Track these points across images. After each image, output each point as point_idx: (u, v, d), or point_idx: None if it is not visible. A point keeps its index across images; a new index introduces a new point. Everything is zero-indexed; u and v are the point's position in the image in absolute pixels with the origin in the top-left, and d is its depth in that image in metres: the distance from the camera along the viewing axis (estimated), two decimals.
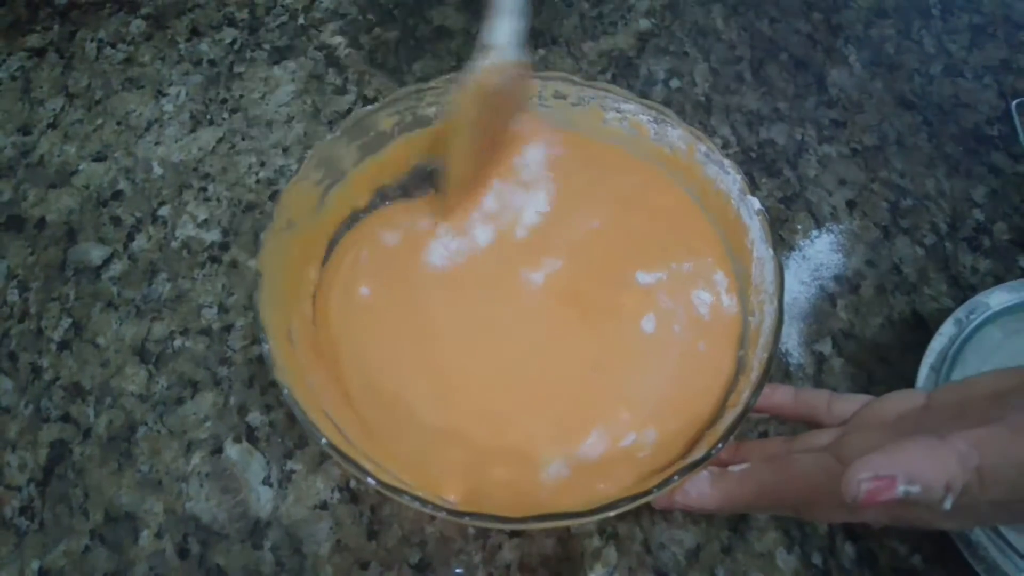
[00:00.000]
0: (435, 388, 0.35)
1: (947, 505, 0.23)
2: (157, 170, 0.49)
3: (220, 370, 0.41)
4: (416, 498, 0.28)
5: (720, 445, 0.29)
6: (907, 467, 0.23)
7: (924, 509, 0.25)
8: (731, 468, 0.31)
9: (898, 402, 0.30)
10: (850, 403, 0.32)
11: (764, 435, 0.40)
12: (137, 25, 0.57)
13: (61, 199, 0.48)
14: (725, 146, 0.51)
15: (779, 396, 0.34)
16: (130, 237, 0.46)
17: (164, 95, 0.53)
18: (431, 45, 0.56)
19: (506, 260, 0.38)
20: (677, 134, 0.39)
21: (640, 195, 0.40)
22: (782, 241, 0.47)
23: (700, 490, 0.30)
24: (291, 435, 0.39)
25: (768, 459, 0.31)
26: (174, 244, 0.46)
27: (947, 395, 0.29)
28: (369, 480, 0.28)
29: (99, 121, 0.51)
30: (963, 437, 0.23)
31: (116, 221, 0.47)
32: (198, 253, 0.46)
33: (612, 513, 0.28)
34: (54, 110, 0.52)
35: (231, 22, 0.57)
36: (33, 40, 0.56)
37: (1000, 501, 0.24)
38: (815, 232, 0.48)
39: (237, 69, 0.54)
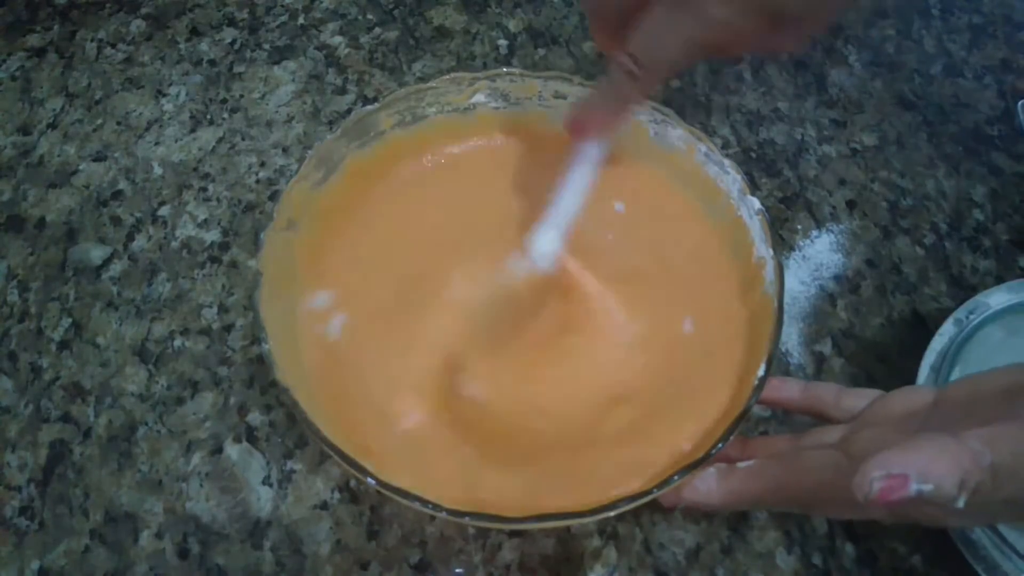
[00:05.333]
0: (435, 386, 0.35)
1: (960, 503, 0.23)
2: (157, 170, 0.49)
3: (220, 370, 0.41)
4: (416, 498, 0.28)
5: (720, 444, 0.29)
6: (920, 465, 0.23)
7: (935, 507, 0.24)
8: (738, 464, 0.31)
9: (907, 398, 0.30)
10: (859, 398, 0.32)
11: (765, 434, 0.40)
12: (137, 25, 0.57)
13: (61, 199, 0.48)
14: (725, 146, 0.51)
15: (787, 390, 0.34)
16: (130, 237, 0.46)
17: (164, 95, 0.53)
18: (431, 45, 0.56)
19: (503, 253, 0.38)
20: (677, 134, 0.39)
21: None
22: (782, 241, 0.47)
23: (707, 486, 0.30)
24: (291, 435, 0.39)
25: (776, 455, 0.31)
26: (174, 244, 0.46)
27: (956, 391, 0.29)
28: (369, 480, 0.28)
29: (99, 121, 0.51)
30: (976, 435, 0.23)
31: (116, 221, 0.47)
32: (198, 253, 0.46)
33: (612, 513, 0.28)
34: (54, 110, 0.52)
35: (231, 22, 0.57)
36: (33, 40, 0.56)
37: (1012, 499, 0.23)
38: (815, 232, 0.48)
39: (237, 69, 0.54)
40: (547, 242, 0.35)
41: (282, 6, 0.58)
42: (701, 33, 0.29)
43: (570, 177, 0.35)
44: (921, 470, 0.23)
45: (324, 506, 0.37)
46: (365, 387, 0.34)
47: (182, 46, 0.56)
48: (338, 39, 0.56)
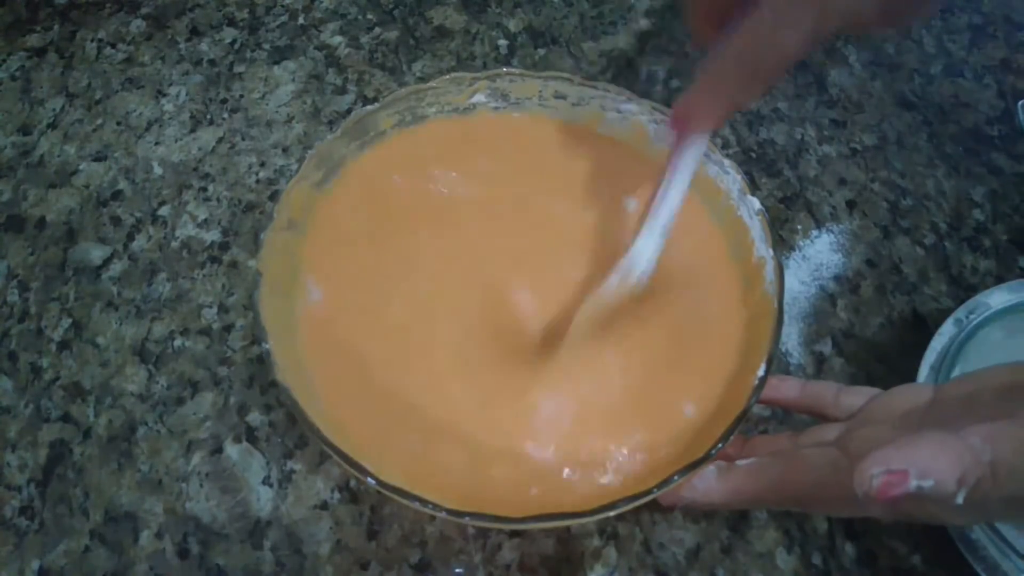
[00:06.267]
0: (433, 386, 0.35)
1: (959, 500, 0.23)
2: (157, 170, 0.49)
3: (220, 370, 0.41)
4: (416, 498, 0.28)
5: (720, 444, 0.29)
6: (920, 461, 0.23)
7: (935, 504, 0.24)
8: (738, 462, 0.31)
9: (906, 396, 0.30)
10: (858, 396, 0.32)
11: (764, 433, 0.40)
12: (137, 25, 0.57)
13: (61, 199, 0.48)
14: (725, 146, 0.51)
15: (786, 388, 0.34)
16: (130, 237, 0.46)
17: (164, 95, 0.53)
18: (431, 45, 0.56)
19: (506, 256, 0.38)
20: None
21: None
22: (782, 241, 0.47)
23: (707, 484, 0.30)
24: (291, 435, 0.39)
25: (775, 454, 0.31)
26: (174, 244, 0.46)
27: (955, 389, 0.29)
28: (369, 480, 0.28)
29: (99, 121, 0.51)
30: (976, 432, 0.23)
31: (116, 221, 0.47)
32: (198, 253, 0.46)
33: (612, 513, 0.28)
34: (54, 110, 0.52)
35: (231, 22, 0.57)
36: (33, 40, 0.56)
37: (1012, 497, 0.23)
38: (815, 232, 0.48)
39: (237, 69, 0.54)
40: (650, 248, 0.32)
41: (282, 6, 0.58)
42: (824, 23, 0.26)
43: (672, 176, 0.33)
44: (921, 466, 0.23)
45: (324, 506, 0.37)
46: (366, 387, 0.34)
47: (182, 46, 0.56)
48: (338, 39, 0.56)
